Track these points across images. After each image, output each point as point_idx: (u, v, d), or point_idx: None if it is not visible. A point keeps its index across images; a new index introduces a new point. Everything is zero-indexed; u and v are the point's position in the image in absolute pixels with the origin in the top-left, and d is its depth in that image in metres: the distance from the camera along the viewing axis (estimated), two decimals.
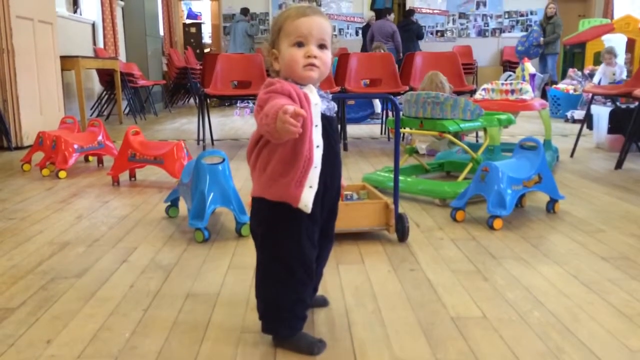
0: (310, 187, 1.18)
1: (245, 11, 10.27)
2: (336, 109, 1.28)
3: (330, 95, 1.27)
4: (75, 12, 7.01)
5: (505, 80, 4.83)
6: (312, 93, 1.19)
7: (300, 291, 1.26)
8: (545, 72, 8.26)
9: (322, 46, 1.19)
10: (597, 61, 7.80)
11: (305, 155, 1.16)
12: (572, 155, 3.95)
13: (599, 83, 6.22)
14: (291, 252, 1.23)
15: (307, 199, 1.18)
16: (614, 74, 6.21)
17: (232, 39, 10.10)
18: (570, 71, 7.22)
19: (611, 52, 6.28)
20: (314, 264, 1.27)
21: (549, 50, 8.56)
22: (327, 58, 1.20)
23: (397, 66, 5.03)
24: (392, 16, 9.18)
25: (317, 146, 1.18)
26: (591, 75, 6.69)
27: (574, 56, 8.75)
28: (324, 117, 1.21)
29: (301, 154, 1.16)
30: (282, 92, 1.14)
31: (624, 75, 6.09)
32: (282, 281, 1.24)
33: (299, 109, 1.06)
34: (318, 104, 1.18)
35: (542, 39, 8.48)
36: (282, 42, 1.20)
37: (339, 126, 4.59)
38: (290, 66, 1.19)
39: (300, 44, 1.18)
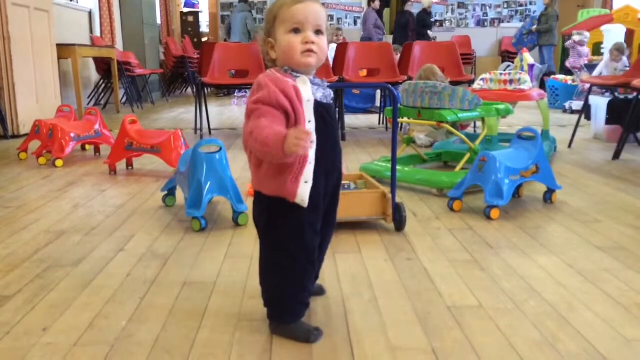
0: (306, 182, 1.19)
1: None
2: (332, 95, 1.28)
3: (326, 83, 1.27)
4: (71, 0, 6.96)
5: (504, 70, 4.81)
6: (305, 85, 1.18)
7: (302, 278, 1.27)
8: (544, 64, 8.23)
9: (318, 32, 1.19)
10: (596, 52, 7.78)
11: None
12: (570, 146, 3.95)
13: (600, 74, 6.21)
14: (293, 241, 1.23)
15: (303, 194, 1.18)
16: (615, 70, 6.20)
17: (232, 30, 9.77)
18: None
19: (619, 50, 6.26)
20: (316, 252, 1.28)
21: (543, 41, 8.51)
22: (324, 44, 1.20)
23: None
24: (376, 3, 9.21)
25: (312, 142, 1.18)
26: (588, 66, 6.67)
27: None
28: (320, 105, 1.21)
29: None
30: (269, 102, 1.14)
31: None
32: (284, 269, 1.25)
33: (309, 132, 1.09)
34: (310, 100, 1.18)
35: (534, 27, 8.47)
36: (279, 30, 1.19)
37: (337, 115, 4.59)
38: (288, 53, 1.18)
39: (297, 31, 1.17)
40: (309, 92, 1.18)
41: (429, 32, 9.23)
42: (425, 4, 9.34)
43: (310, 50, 1.17)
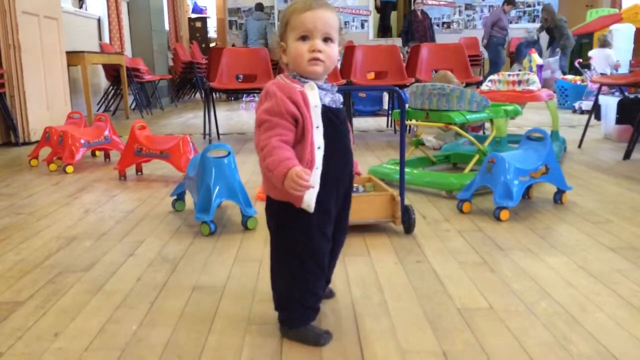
0: (312, 187, 1.19)
1: (260, 7, 9.84)
2: (342, 99, 1.28)
3: (336, 88, 1.27)
4: (80, 7, 7.02)
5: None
6: (313, 91, 1.19)
7: (312, 283, 1.27)
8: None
9: (327, 40, 1.19)
10: None
11: (307, 158, 1.18)
12: (580, 146, 3.93)
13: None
14: (301, 245, 1.23)
15: (309, 200, 1.18)
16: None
17: (248, 38, 9.48)
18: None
19: (600, 40, 6.48)
20: (326, 256, 1.28)
21: (566, 49, 8.34)
22: (332, 52, 1.20)
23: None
24: (506, 7, 9.12)
25: (318, 147, 1.19)
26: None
27: (582, 46, 8.68)
28: (329, 110, 1.22)
29: (303, 158, 1.17)
30: (278, 112, 1.15)
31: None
32: (293, 273, 1.25)
33: (307, 180, 1.10)
34: (317, 106, 1.19)
35: (557, 51, 8.19)
36: (289, 36, 1.20)
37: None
38: (296, 60, 1.19)
39: (305, 38, 1.18)
40: (316, 98, 1.19)
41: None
42: None
43: (317, 59, 1.18)
